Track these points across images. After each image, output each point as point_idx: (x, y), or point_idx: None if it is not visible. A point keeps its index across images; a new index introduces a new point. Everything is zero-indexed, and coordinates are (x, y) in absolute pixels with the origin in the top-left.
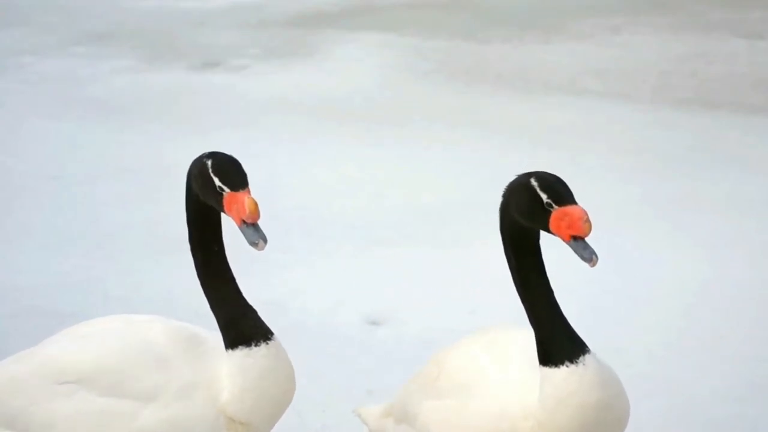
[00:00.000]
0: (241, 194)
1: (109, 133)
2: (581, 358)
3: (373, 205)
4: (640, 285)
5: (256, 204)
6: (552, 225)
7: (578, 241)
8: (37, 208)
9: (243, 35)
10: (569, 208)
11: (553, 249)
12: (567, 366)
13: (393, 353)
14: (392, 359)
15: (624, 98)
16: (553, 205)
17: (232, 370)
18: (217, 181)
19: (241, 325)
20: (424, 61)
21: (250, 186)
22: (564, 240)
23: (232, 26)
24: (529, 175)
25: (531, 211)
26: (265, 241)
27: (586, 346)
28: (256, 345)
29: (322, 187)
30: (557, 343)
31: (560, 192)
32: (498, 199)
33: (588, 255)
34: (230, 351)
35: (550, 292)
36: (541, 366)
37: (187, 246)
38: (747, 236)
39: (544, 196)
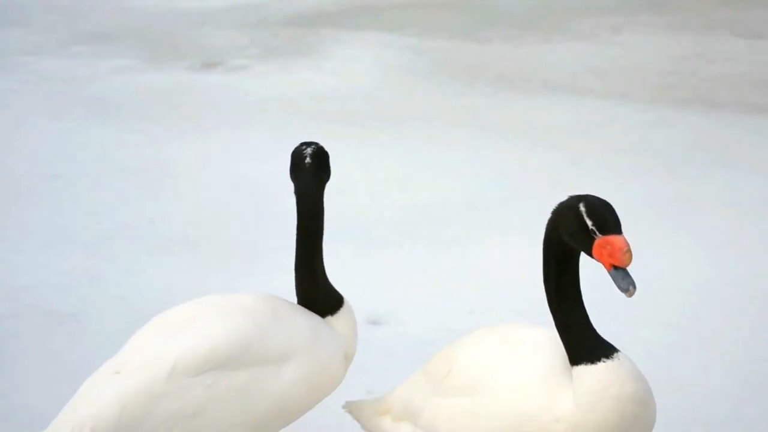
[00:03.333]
0: (613, 238)
1: (109, 133)
2: (616, 355)
3: (373, 205)
4: (639, 285)
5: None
6: (594, 251)
7: (618, 270)
8: (37, 208)
9: (243, 35)
10: (612, 238)
11: None
12: (604, 362)
13: (393, 353)
14: (392, 359)
15: (624, 98)
16: (597, 232)
17: (347, 316)
18: (590, 224)
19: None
20: (424, 61)
21: (251, 185)
22: (605, 267)
23: (232, 26)
24: (579, 198)
25: (576, 235)
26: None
27: (616, 348)
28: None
29: None
30: (592, 343)
31: (605, 219)
32: (497, 199)
33: (625, 285)
34: (342, 309)
35: (582, 302)
36: (574, 366)
37: (186, 246)
38: (747, 236)
39: (589, 223)
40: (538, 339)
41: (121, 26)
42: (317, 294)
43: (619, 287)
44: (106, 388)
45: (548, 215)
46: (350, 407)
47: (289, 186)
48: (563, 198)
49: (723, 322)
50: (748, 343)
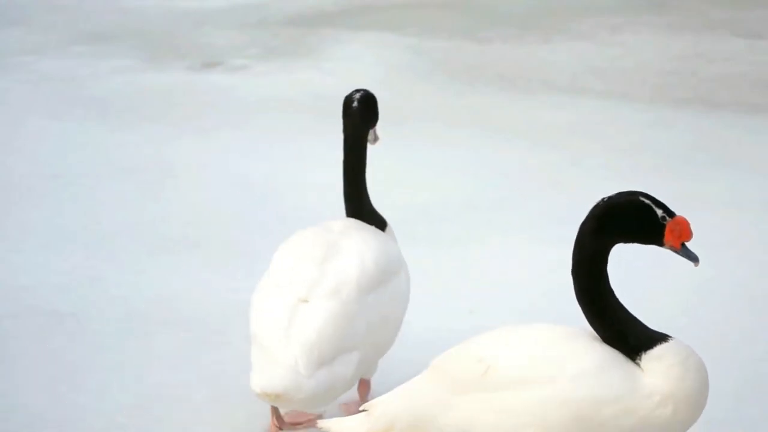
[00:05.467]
0: (680, 218)
1: (109, 133)
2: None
3: (373, 205)
4: (639, 284)
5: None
6: (667, 236)
7: (685, 247)
8: (37, 208)
9: (243, 35)
10: (679, 218)
11: (552, 250)
12: (673, 338)
13: (393, 353)
14: (392, 359)
15: (624, 98)
16: (667, 217)
17: (393, 233)
18: (660, 213)
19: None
20: (424, 61)
21: (251, 185)
22: (674, 248)
23: (232, 26)
24: (633, 194)
25: (645, 227)
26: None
27: None
28: None
29: (322, 187)
30: (648, 329)
31: (665, 205)
32: (497, 199)
33: (695, 256)
34: (388, 228)
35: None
36: (648, 350)
37: (186, 246)
38: (747, 236)
39: (659, 212)
40: (574, 331)
41: (121, 26)
42: (365, 218)
43: (692, 259)
44: (311, 315)
45: (549, 215)
46: (326, 427)
47: (288, 185)
48: (562, 197)
49: (723, 322)
50: (748, 343)
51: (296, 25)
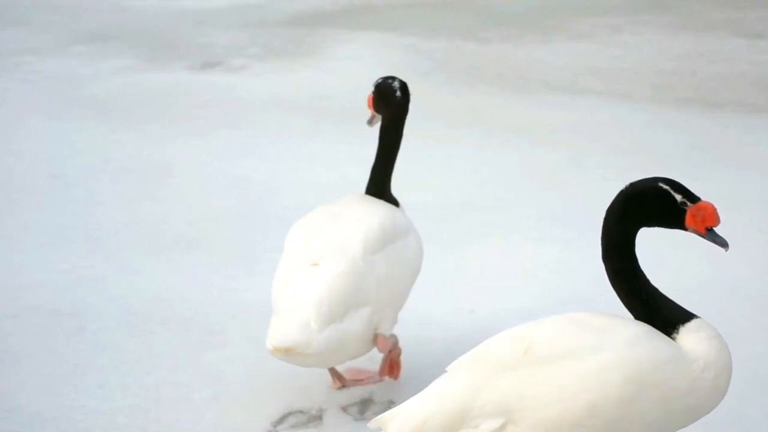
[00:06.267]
0: (703, 204)
1: (109, 133)
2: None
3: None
4: None
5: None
6: (688, 221)
7: (712, 231)
8: (37, 208)
9: (243, 35)
10: (702, 204)
11: (552, 250)
12: (700, 317)
13: None
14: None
15: (624, 98)
16: (687, 203)
17: (404, 210)
18: (679, 198)
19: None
20: (424, 61)
21: (251, 185)
22: (699, 232)
23: (232, 26)
24: (655, 180)
25: (665, 212)
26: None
27: None
28: None
29: (322, 187)
30: (680, 306)
31: (688, 190)
32: (497, 199)
33: (724, 241)
34: (401, 206)
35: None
36: (684, 324)
37: (186, 245)
38: (746, 236)
39: (678, 197)
40: (595, 312)
41: (121, 26)
42: (387, 195)
43: (721, 244)
44: (320, 275)
45: (549, 215)
46: None
47: (288, 185)
48: (562, 197)
49: (722, 322)
50: (747, 343)
51: (296, 25)
